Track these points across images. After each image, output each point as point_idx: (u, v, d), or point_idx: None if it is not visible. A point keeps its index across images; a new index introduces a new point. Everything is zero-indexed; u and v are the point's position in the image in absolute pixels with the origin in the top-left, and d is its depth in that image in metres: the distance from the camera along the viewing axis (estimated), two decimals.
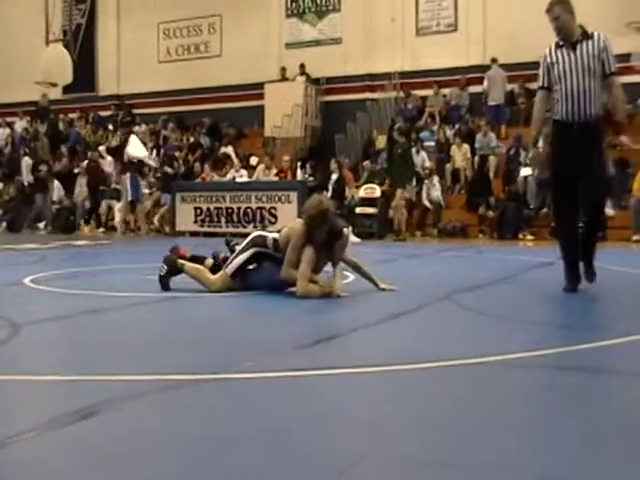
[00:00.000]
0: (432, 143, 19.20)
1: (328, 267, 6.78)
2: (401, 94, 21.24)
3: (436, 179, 17.43)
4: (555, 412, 3.22)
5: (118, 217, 18.46)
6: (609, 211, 15.16)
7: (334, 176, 17.52)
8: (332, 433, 2.95)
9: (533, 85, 19.13)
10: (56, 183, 20.90)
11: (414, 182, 16.94)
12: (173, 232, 17.63)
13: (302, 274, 6.39)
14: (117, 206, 18.75)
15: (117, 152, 21.43)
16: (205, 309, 6.23)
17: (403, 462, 2.61)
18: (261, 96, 22.10)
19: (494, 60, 19.33)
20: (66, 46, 24.45)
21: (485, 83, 19.30)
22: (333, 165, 17.68)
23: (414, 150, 17.34)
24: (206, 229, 17.45)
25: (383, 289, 6.77)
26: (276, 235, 6.80)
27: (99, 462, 2.60)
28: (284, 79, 22.29)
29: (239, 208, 17.10)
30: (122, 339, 4.86)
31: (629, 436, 2.86)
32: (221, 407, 3.28)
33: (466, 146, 18.20)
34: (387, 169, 16.85)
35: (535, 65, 18.93)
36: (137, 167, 17.69)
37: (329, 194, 17.24)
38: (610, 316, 5.84)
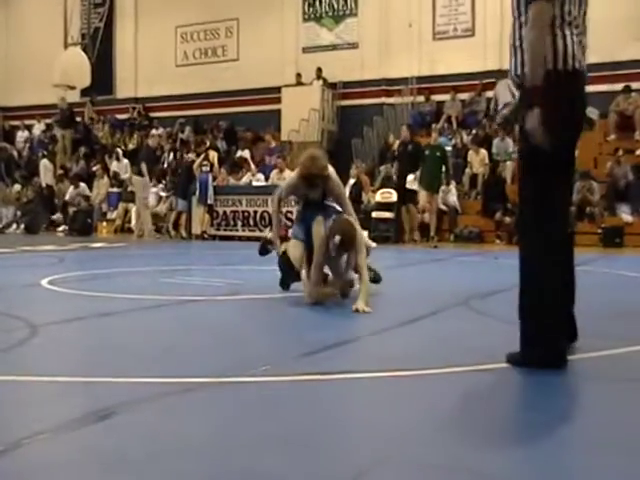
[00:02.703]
0: (449, 148, 19.13)
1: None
2: (418, 99, 21.22)
3: (453, 184, 17.38)
4: (568, 419, 3.22)
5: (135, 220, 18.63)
6: (627, 217, 15.11)
7: (351, 180, 17.52)
8: (347, 437, 2.95)
9: None
10: (79, 187, 20.93)
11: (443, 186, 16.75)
12: (189, 236, 17.65)
13: (311, 281, 6.41)
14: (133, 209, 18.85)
15: (133, 155, 21.64)
16: (220, 312, 6.24)
17: (419, 467, 2.61)
18: (278, 100, 22.11)
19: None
20: (84, 49, 24.61)
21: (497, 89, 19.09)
22: (353, 171, 17.68)
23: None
24: (222, 233, 17.46)
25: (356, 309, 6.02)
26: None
27: (113, 464, 2.61)
28: (300, 84, 22.30)
29: (255, 212, 17.09)
30: (138, 342, 4.88)
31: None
32: (236, 411, 3.29)
33: (484, 152, 18.14)
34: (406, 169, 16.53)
35: None
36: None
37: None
38: (628, 324, 5.80)
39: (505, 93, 16.79)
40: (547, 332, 3.92)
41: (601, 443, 2.88)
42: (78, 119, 25.32)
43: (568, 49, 3.94)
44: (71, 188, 20.94)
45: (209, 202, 17.41)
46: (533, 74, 3.93)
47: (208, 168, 17.62)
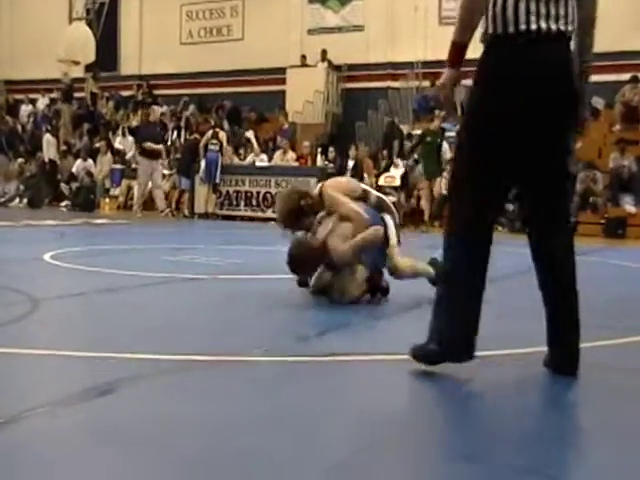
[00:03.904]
0: (453, 134, 19.09)
1: None
2: (424, 83, 21.15)
3: None
4: (562, 405, 3.23)
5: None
6: (630, 208, 15.10)
7: (351, 163, 17.50)
8: (341, 421, 2.95)
9: None
10: (87, 162, 20.92)
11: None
12: (192, 214, 17.63)
13: None
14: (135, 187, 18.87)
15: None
16: (221, 291, 6.25)
17: (407, 453, 2.62)
18: (282, 81, 22.04)
19: None
20: (89, 25, 24.51)
21: None
22: (353, 152, 17.66)
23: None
24: (225, 212, 17.45)
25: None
26: None
27: (112, 440, 2.63)
28: (304, 65, 22.20)
29: (258, 192, 17.08)
30: (139, 318, 4.89)
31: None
32: (234, 390, 3.30)
33: None
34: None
35: None
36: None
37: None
38: (628, 314, 5.80)
39: None
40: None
41: (593, 428, 2.91)
42: (82, 95, 25.22)
43: (497, 13, 3.51)
44: (79, 161, 20.93)
45: (216, 181, 17.36)
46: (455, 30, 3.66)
47: (218, 147, 17.56)
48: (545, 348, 3.71)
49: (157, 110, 19.56)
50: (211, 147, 17.48)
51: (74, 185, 20.22)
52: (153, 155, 17.13)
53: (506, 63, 3.50)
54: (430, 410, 3.13)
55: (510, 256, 6.36)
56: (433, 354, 3.56)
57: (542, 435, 2.80)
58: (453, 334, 3.55)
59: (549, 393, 3.46)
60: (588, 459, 2.63)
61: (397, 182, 16.73)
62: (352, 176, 17.13)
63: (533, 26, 3.41)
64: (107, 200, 20.31)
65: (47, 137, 22.15)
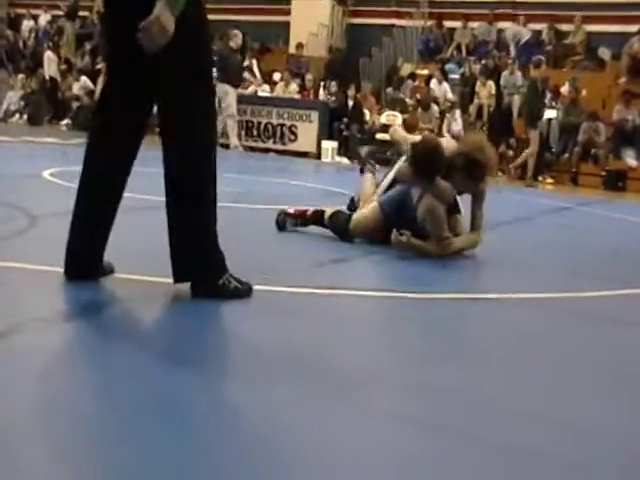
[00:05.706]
0: (457, 76, 18.98)
1: None
2: (429, 24, 20.92)
3: (458, 113, 17.23)
4: (549, 352, 3.29)
5: None
6: (632, 162, 15.06)
7: (350, 102, 17.45)
8: (338, 354, 3.01)
9: (563, 27, 18.90)
10: (81, 80, 20.73)
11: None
12: None
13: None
14: None
15: None
16: (225, 219, 6.16)
17: (404, 388, 2.66)
18: (287, 12, 21.73)
19: None
20: None
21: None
22: (352, 92, 17.61)
23: (435, 81, 17.39)
24: (225, 141, 17.30)
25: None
26: None
27: (103, 353, 2.70)
28: None
29: (259, 123, 16.96)
30: (137, 240, 4.89)
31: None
32: (231, 318, 3.33)
33: (490, 83, 17.96)
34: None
35: (563, 6, 18.49)
36: None
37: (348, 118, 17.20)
38: (624, 267, 5.83)
39: None
40: None
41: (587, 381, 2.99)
42: (85, 13, 24.84)
43: None
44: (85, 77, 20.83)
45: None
46: None
47: None
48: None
49: (238, 35, 18.76)
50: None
51: (74, 104, 20.04)
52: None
53: None
54: (425, 345, 3.17)
55: (509, 203, 6.35)
56: None
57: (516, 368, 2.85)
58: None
59: (523, 335, 3.51)
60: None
61: (399, 120, 16.60)
62: (351, 115, 17.14)
63: None
64: None
65: (48, 54, 21.89)
